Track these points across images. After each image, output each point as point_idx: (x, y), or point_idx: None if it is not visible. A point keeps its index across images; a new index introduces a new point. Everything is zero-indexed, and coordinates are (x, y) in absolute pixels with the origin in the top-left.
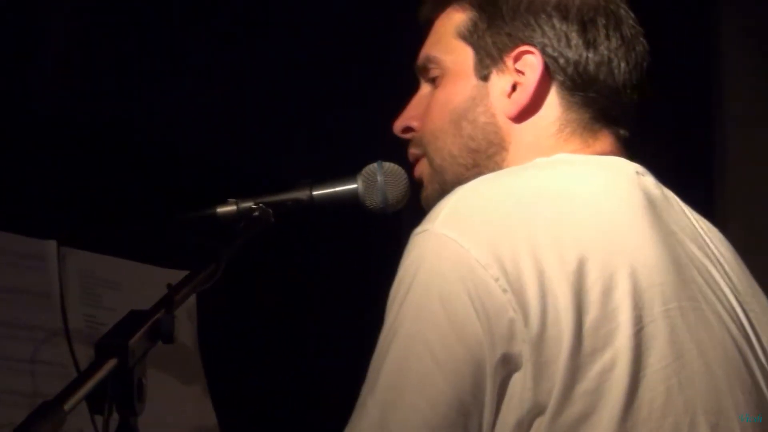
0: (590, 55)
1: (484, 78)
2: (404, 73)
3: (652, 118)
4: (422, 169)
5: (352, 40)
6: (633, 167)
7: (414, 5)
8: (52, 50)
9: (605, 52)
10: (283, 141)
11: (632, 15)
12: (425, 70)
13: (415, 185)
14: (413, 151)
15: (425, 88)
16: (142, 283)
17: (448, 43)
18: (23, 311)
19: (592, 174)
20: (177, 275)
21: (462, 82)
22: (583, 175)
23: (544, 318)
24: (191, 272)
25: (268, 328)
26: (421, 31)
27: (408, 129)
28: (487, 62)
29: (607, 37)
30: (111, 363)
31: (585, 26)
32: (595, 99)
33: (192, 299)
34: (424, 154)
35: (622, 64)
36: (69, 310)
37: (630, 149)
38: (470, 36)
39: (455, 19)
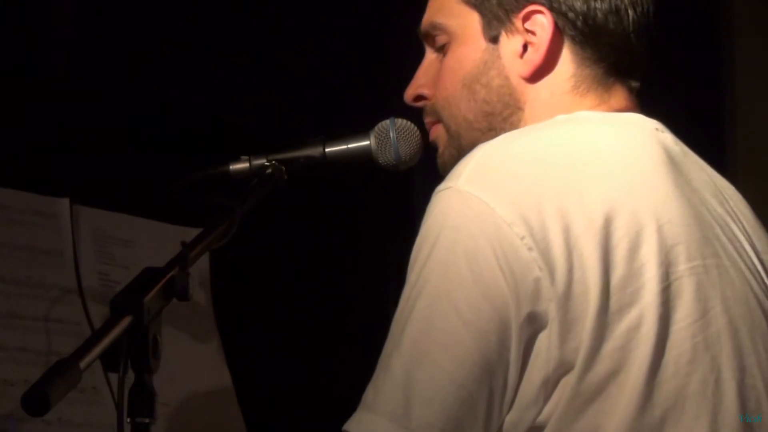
0: (597, 4)
1: (494, 40)
2: (415, 32)
3: (661, 72)
4: (438, 134)
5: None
6: (652, 124)
7: None
8: (65, 7)
9: (613, 0)
10: (296, 98)
11: None
12: (430, 37)
13: (429, 143)
14: (428, 119)
15: (432, 55)
16: (155, 241)
17: (452, 8)
18: (37, 269)
19: (614, 131)
20: (190, 233)
21: (471, 47)
22: (605, 132)
23: (570, 276)
24: (204, 230)
25: (281, 285)
26: None
27: (420, 97)
28: (495, 24)
29: None
30: (126, 320)
31: None
32: (607, 52)
33: (204, 257)
34: (439, 121)
35: (630, 12)
36: (82, 267)
37: (643, 104)
38: None
39: None
